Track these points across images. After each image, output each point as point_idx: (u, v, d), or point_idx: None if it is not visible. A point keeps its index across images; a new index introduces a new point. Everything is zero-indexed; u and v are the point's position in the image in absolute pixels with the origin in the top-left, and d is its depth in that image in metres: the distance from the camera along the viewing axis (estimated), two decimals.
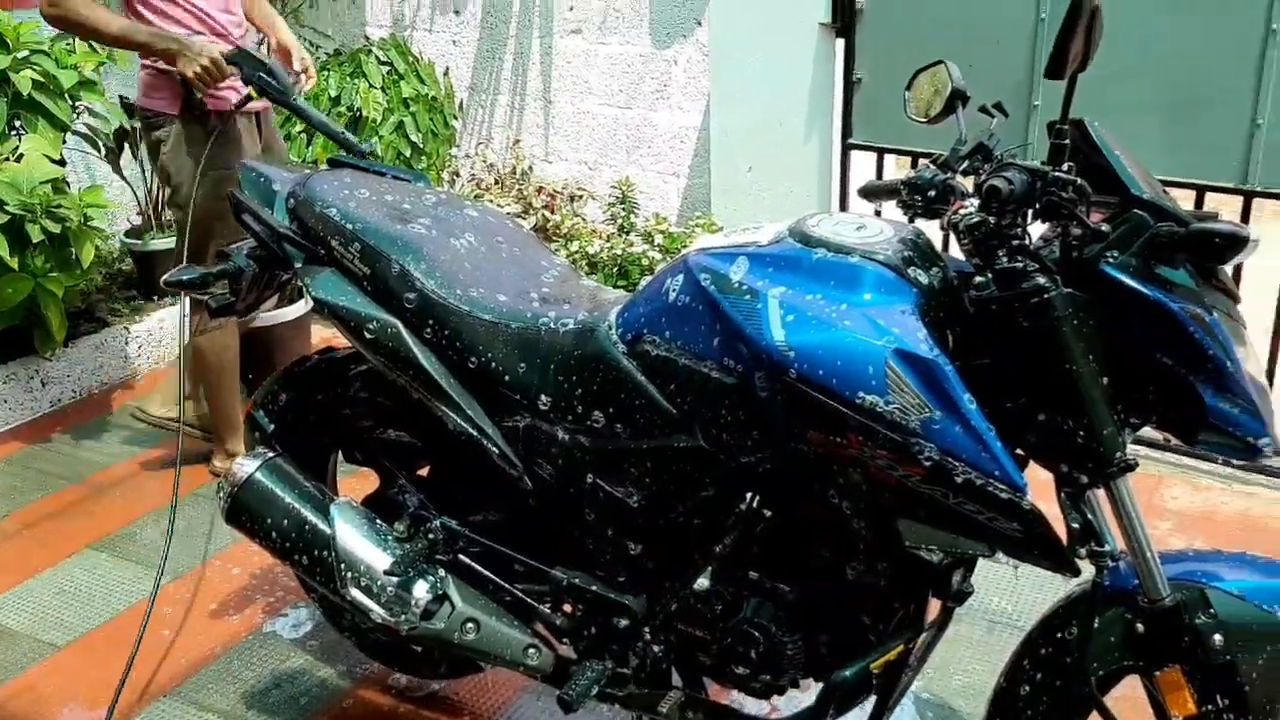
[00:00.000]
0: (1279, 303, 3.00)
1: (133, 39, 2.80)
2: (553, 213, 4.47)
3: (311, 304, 2.16)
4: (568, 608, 1.99)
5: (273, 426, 2.23)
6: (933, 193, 1.64)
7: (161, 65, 2.87)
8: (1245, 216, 2.91)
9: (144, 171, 4.17)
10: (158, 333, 4.08)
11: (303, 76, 3.00)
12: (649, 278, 1.81)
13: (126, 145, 4.12)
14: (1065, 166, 1.47)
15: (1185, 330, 1.44)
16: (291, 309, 3.50)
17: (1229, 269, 1.55)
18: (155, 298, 4.19)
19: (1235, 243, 1.40)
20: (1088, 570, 1.58)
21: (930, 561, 1.57)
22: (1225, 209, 3.17)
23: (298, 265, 2.05)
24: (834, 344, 1.49)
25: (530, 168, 4.71)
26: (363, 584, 1.94)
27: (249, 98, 2.81)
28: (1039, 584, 2.64)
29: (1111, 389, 1.49)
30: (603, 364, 1.76)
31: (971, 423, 1.46)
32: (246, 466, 2.06)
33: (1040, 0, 2.98)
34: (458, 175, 4.88)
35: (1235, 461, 3.10)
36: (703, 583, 1.81)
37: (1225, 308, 1.50)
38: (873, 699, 1.78)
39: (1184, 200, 2.26)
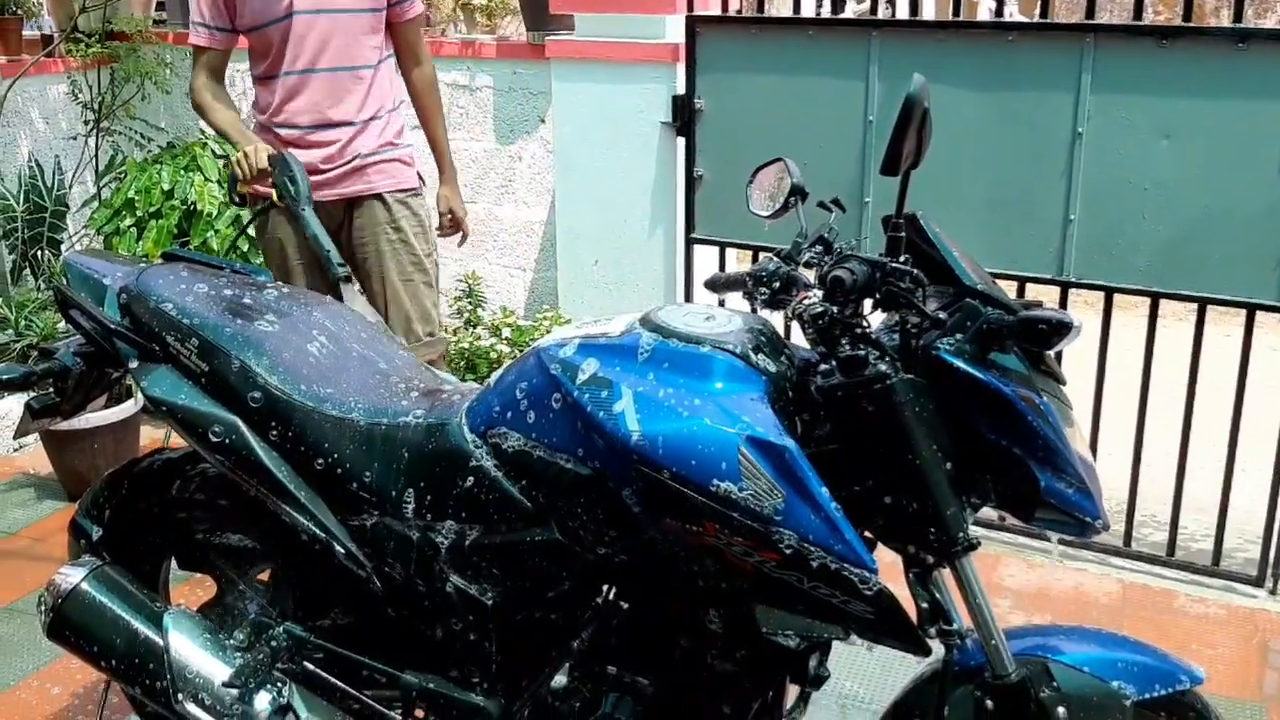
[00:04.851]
0: (1096, 386, 3.18)
1: (224, 130, 3.02)
2: None
3: (142, 404, 2.06)
4: (420, 713, 1.91)
5: (100, 533, 2.11)
6: (778, 284, 1.70)
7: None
8: (1063, 306, 3.08)
9: None
10: None
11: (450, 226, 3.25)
12: (499, 371, 1.80)
13: None
14: (902, 258, 1.53)
15: (1018, 412, 1.51)
16: (118, 409, 3.33)
17: (1054, 354, 1.64)
18: None
19: (1062, 329, 1.48)
20: (938, 649, 1.62)
21: (787, 647, 1.58)
22: (1045, 299, 3.37)
23: (132, 364, 1.96)
24: (688, 433, 1.50)
25: None
26: (199, 698, 1.83)
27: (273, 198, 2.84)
28: (888, 666, 2.68)
29: (953, 471, 1.54)
30: (455, 459, 1.73)
31: (822, 507, 1.48)
32: (71, 576, 1.93)
33: (868, 103, 3.14)
34: None
35: (1064, 538, 3.24)
36: (560, 680, 1.77)
37: (1054, 391, 1.58)
38: None
39: (1007, 290, 2.38)
